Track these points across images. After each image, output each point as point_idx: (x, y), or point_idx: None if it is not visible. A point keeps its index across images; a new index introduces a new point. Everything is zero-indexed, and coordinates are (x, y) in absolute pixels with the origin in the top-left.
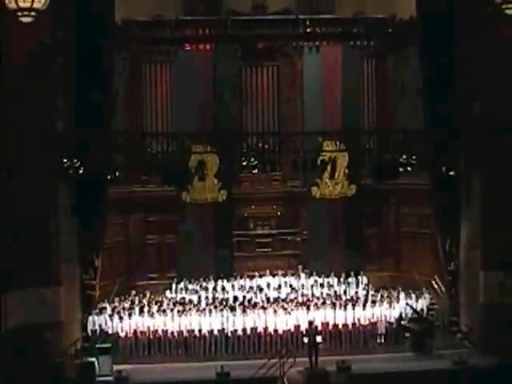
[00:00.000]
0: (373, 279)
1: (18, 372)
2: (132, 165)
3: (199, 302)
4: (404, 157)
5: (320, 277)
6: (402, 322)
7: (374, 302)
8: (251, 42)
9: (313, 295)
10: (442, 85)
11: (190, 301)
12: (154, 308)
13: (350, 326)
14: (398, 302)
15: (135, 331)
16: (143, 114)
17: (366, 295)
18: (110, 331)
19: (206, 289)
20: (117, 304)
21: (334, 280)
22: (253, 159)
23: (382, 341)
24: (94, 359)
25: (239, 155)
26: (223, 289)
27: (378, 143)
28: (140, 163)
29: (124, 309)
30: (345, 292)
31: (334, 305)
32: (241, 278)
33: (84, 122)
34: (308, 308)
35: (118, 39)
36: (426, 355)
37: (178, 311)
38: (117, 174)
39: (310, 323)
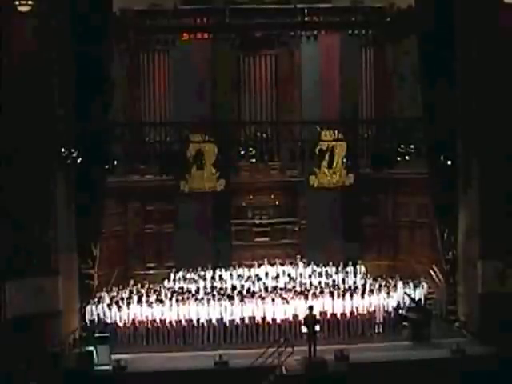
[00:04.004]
0: (371, 268)
1: (16, 361)
2: (130, 154)
3: (197, 291)
4: (402, 146)
5: (318, 266)
6: (400, 311)
7: (372, 291)
8: (249, 31)
9: (311, 284)
10: (440, 73)
11: (189, 290)
12: (153, 297)
13: (348, 315)
14: (395, 291)
15: (133, 321)
16: (141, 104)
17: (364, 284)
18: (108, 320)
19: (204, 278)
20: (115, 293)
21: (332, 269)
22: (251, 148)
23: (380, 330)
24: (92, 348)
25: (237, 144)
26: (221, 278)
27: (376, 132)
28: (138, 152)
29: (122, 298)
30: (343, 281)
31: (332, 294)
32: (239, 267)
33: (82, 111)
34: (306, 297)
35: (116, 28)
36: (424, 344)
37: (177, 300)
38: (115, 163)
39: (310, 308)
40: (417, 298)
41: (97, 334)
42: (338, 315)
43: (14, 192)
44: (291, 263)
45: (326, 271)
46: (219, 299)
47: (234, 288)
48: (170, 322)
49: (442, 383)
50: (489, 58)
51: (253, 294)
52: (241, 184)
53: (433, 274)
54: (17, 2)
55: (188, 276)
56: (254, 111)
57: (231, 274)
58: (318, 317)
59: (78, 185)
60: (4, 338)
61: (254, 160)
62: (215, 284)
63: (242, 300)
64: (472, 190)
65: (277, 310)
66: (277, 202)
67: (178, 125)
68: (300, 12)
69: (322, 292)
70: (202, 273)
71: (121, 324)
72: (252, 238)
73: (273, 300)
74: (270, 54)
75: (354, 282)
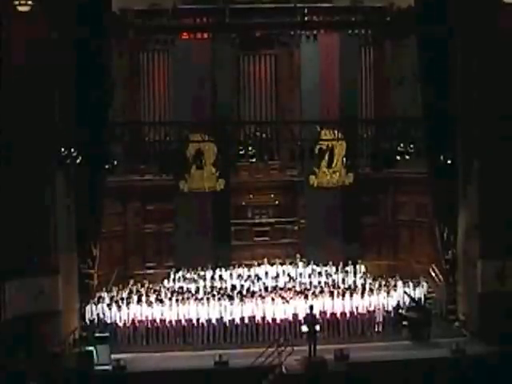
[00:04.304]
0: (371, 268)
1: (16, 361)
2: (130, 154)
3: (197, 291)
4: (402, 145)
5: (318, 265)
6: (400, 311)
7: (371, 290)
8: (249, 30)
9: (311, 284)
10: (440, 72)
11: (188, 290)
12: (152, 297)
13: (348, 315)
14: (395, 290)
15: (133, 320)
16: (141, 103)
17: (364, 284)
18: (108, 320)
19: (204, 278)
20: (115, 293)
21: (331, 269)
22: (250, 148)
23: (380, 329)
24: (92, 348)
25: (237, 144)
26: (221, 278)
27: (375, 132)
28: (138, 152)
29: (122, 298)
30: (343, 281)
31: (331, 293)
32: (239, 266)
33: (82, 111)
34: (306, 297)
35: (116, 28)
36: (424, 344)
37: (176, 300)
38: (115, 163)
39: (311, 308)
40: (416, 298)
41: (97, 334)
42: (338, 315)
43: (14, 192)
44: (291, 263)
45: (326, 271)
46: (219, 299)
47: (233, 288)
48: (170, 322)
49: (442, 383)
50: (488, 58)
51: (252, 294)
52: (240, 184)
53: (432, 273)
54: (16, 2)
55: (188, 276)
56: (253, 111)
57: (231, 274)
58: (318, 316)
59: (77, 185)
60: (4, 338)
61: (253, 160)
62: (215, 284)
63: (241, 300)
64: (472, 190)
65: (277, 310)
66: (276, 202)
67: (178, 124)
68: (300, 12)
69: (321, 292)
70: (202, 272)
71: (121, 324)
72: (252, 237)
73: (272, 300)
74: (269, 53)
75: (354, 282)
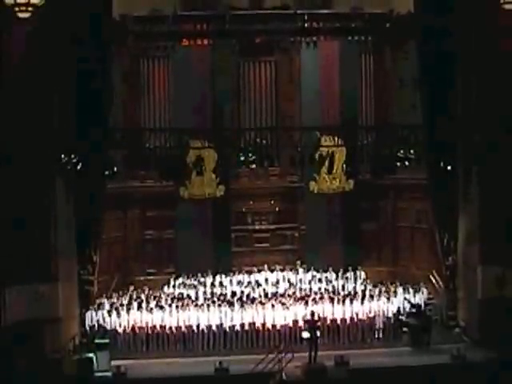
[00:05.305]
0: (371, 274)
1: (16, 367)
2: (130, 160)
3: (197, 297)
4: (402, 151)
5: (318, 272)
6: (400, 317)
7: (372, 296)
8: (249, 37)
9: (311, 290)
10: (440, 79)
11: (189, 296)
12: (152, 303)
13: (348, 321)
14: (395, 296)
15: (133, 327)
16: (141, 110)
17: (364, 290)
18: (108, 327)
19: (205, 284)
20: (115, 299)
21: (332, 275)
22: (251, 154)
23: (380, 335)
24: (92, 355)
25: (237, 150)
26: (221, 284)
27: (375, 138)
28: (138, 158)
29: (122, 304)
30: (343, 287)
31: (332, 300)
32: (239, 273)
33: (82, 117)
34: (306, 303)
35: (116, 34)
36: (424, 350)
37: (177, 306)
38: (115, 169)
39: (312, 314)
40: (417, 304)
41: (97, 340)
42: (338, 321)
43: (14, 199)
44: (291, 269)
45: (326, 277)
46: (219, 305)
47: (233, 294)
48: (170, 328)
49: None
50: (488, 63)
51: (253, 300)
52: (240, 190)
53: (433, 279)
54: (16, 9)
55: (188, 282)
56: (253, 117)
57: (231, 280)
58: (319, 322)
59: (78, 191)
60: (4, 344)
61: (253, 166)
62: (215, 290)
63: (241, 306)
64: (472, 195)
65: (277, 316)
66: (277, 208)
67: (178, 131)
68: (300, 18)
69: (321, 298)
70: (202, 279)
71: (121, 330)
72: (252, 243)
73: (273, 306)
74: (269, 59)
75: (354, 288)
